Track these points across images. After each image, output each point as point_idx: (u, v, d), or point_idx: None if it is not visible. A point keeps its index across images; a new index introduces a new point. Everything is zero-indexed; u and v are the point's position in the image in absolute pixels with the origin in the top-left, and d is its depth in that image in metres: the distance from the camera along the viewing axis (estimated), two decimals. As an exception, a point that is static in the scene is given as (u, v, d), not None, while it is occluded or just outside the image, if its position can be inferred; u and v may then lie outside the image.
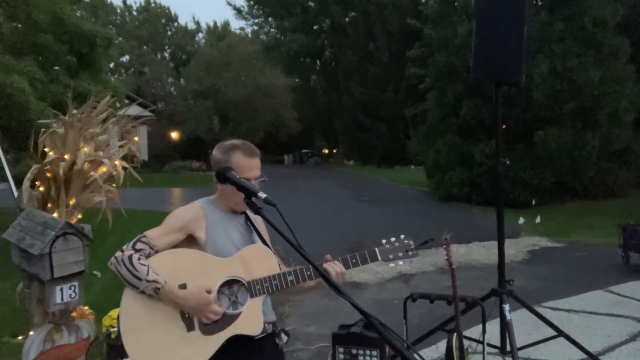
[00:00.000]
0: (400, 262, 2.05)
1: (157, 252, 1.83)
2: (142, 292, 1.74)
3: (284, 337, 2.02)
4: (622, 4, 13.11)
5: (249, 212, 2.05)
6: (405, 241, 2.06)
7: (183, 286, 1.79)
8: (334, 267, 1.95)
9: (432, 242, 2.25)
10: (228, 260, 1.87)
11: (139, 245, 1.80)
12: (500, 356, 3.70)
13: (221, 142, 2.04)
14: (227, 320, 1.82)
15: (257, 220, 2.10)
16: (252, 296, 1.86)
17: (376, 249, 2.02)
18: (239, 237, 1.97)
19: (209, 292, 1.79)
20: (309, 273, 1.91)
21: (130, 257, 1.75)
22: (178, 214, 1.94)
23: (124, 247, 1.81)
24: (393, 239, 2.06)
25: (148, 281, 1.73)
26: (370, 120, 31.07)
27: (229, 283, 1.86)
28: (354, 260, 1.97)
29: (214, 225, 1.93)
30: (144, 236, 1.84)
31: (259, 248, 1.96)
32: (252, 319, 1.85)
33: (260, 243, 2.00)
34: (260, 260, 1.92)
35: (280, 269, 1.94)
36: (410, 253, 2.05)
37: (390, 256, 2.03)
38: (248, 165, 1.93)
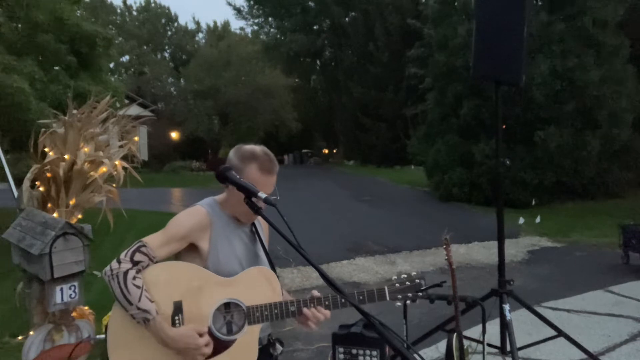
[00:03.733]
0: (408, 302, 1.96)
1: (156, 262, 1.73)
2: (132, 317, 1.65)
3: (279, 348, 1.95)
4: (622, 4, 13.11)
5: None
6: (417, 280, 1.95)
7: (178, 303, 1.71)
8: (315, 315, 1.84)
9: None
10: (229, 281, 1.78)
11: (137, 257, 1.68)
12: (500, 356, 3.69)
13: (241, 145, 1.91)
14: (220, 346, 1.73)
15: (260, 220, 2.02)
16: (249, 323, 1.76)
17: (385, 288, 1.91)
18: (242, 250, 1.88)
19: (201, 335, 1.69)
20: (312, 305, 1.84)
21: (125, 273, 1.64)
22: (182, 220, 1.80)
23: (122, 255, 1.68)
24: (404, 276, 1.96)
25: (139, 309, 1.62)
26: (370, 120, 31.07)
27: (228, 304, 1.78)
28: (360, 297, 1.86)
29: (218, 236, 1.82)
30: (144, 245, 1.71)
31: (263, 271, 1.84)
32: (246, 348, 1.76)
33: (264, 256, 1.92)
34: (263, 285, 1.81)
35: (282, 293, 1.86)
36: (421, 294, 1.95)
37: (399, 296, 1.93)
38: (261, 182, 1.79)
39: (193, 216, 1.82)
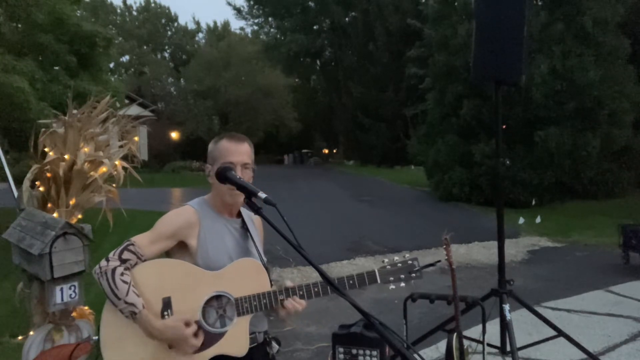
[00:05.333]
0: (402, 284, 1.89)
1: (144, 260, 1.76)
2: (120, 311, 1.68)
3: (275, 347, 1.95)
4: (622, 4, 13.12)
5: (245, 216, 1.98)
6: (409, 262, 1.91)
7: (167, 299, 1.73)
8: (294, 305, 1.83)
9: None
10: (217, 274, 1.78)
11: (125, 255, 1.72)
12: (500, 356, 3.69)
13: None
14: (211, 338, 1.74)
15: (255, 220, 2.04)
16: (239, 314, 1.77)
17: (375, 270, 1.88)
18: (233, 244, 1.89)
19: (188, 324, 1.70)
20: (301, 293, 1.83)
21: (113, 270, 1.67)
22: (170, 219, 1.84)
23: (111, 254, 1.72)
24: (396, 259, 1.91)
25: (126, 303, 1.65)
26: (370, 120, 31.11)
27: (217, 297, 1.78)
28: (350, 282, 1.84)
29: (207, 232, 1.84)
30: (132, 244, 1.75)
31: (250, 262, 1.85)
32: (237, 339, 1.77)
33: (255, 252, 1.92)
34: (251, 276, 1.82)
35: (271, 285, 1.85)
36: (414, 275, 1.89)
37: (391, 278, 1.88)
38: (232, 149, 1.86)
39: (180, 215, 1.85)
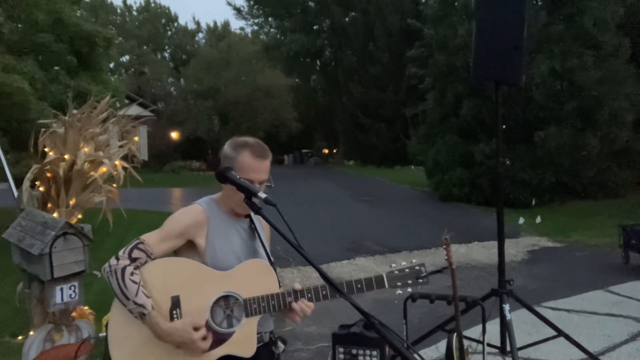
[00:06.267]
0: (409, 289, 1.92)
1: (154, 259, 1.75)
2: (129, 312, 1.68)
3: (281, 346, 1.96)
4: (622, 4, 13.12)
5: (252, 216, 1.97)
6: (417, 267, 1.94)
7: (176, 298, 1.73)
8: (302, 307, 1.83)
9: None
10: (225, 274, 1.79)
11: (135, 254, 1.72)
12: (500, 356, 3.69)
13: (235, 137, 1.95)
14: (219, 338, 1.75)
15: (261, 219, 2.01)
16: (247, 315, 1.78)
17: (384, 275, 1.90)
18: (240, 245, 1.89)
19: (197, 329, 1.70)
20: (309, 295, 1.84)
21: (123, 269, 1.67)
22: (178, 218, 1.84)
23: (120, 252, 1.72)
24: (404, 264, 1.94)
25: (135, 303, 1.65)
26: (370, 120, 31.08)
27: (225, 297, 1.79)
28: (359, 286, 1.85)
29: (215, 231, 1.84)
30: (142, 242, 1.75)
31: (259, 263, 1.86)
32: (245, 340, 1.78)
33: (263, 252, 1.92)
34: (260, 277, 1.83)
35: (279, 285, 1.86)
36: (421, 280, 1.94)
37: (399, 283, 1.91)
38: (254, 167, 1.83)
39: (189, 213, 1.85)
